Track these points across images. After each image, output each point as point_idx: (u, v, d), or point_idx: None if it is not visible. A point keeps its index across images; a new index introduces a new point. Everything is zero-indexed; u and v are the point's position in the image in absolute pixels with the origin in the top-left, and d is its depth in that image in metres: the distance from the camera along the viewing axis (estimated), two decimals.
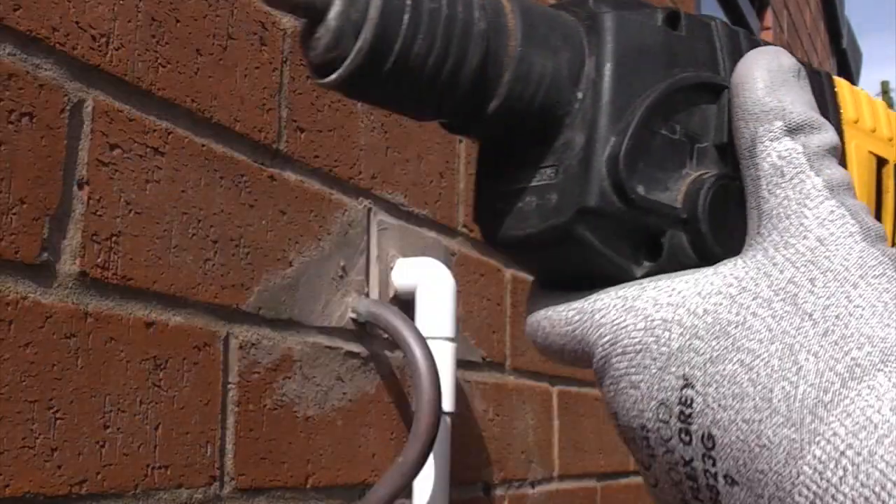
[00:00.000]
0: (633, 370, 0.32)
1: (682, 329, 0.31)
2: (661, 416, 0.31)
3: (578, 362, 0.34)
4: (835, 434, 0.27)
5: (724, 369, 0.30)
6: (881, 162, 0.42)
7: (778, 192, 0.33)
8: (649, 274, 0.34)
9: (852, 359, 0.29)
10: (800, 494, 0.28)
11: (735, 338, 0.30)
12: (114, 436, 0.72)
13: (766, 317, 0.30)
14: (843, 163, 0.38)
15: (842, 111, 0.41)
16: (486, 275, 1.31)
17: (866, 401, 0.28)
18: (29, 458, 0.66)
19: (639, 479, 1.86)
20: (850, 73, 6.65)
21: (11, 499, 0.64)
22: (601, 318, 0.33)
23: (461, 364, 1.21)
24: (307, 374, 0.94)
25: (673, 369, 0.31)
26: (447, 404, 1.02)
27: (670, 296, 0.32)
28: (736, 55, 0.36)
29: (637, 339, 0.32)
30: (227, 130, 0.86)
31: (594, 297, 0.34)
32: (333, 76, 0.31)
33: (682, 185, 0.35)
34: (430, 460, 1.00)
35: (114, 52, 0.75)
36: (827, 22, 5.75)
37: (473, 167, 1.28)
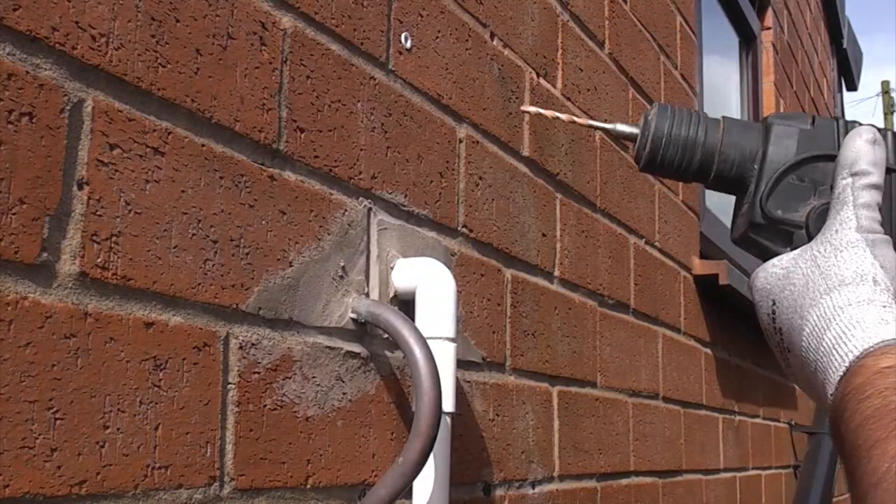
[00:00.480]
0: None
1: (778, 276, 0.68)
2: (767, 315, 0.69)
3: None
4: (822, 306, 0.63)
5: (784, 293, 0.67)
6: None
7: (834, 207, 0.68)
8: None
9: (828, 284, 0.64)
10: (807, 324, 0.63)
11: (791, 279, 0.67)
12: (114, 436, 0.72)
13: (804, 269, 0.67)
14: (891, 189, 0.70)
15: None
16: (486, 275, 1.31)
17: (833, 299, 0.63)
18: (29, 459, 0.66)
19: (639, 480, 1.86)
20: (850, 73, 6.64)
21: (11, 499, 0.64)
22: (765, 268, 0.70)
23: (461, 364, 1.20)
24: (307, 374, 0.94)
25: (771, 295, 0.69)
26: (447, 404, 1.02)
27: (783, 261, 0.69)
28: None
29: (764, 281, 0.70)
30: (227, 130, 0.86)
31: (766, 263, 0.71)
32: (639, 165, 0.77)
33: (807, 209, 0.70)
34: (430, 460, 0.99)
35: (114, 52, 0.75)
36: (827, 22, 5.75)
37: (474, 168, 1.28)
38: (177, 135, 0.81)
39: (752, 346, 2.83)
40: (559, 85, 1.60)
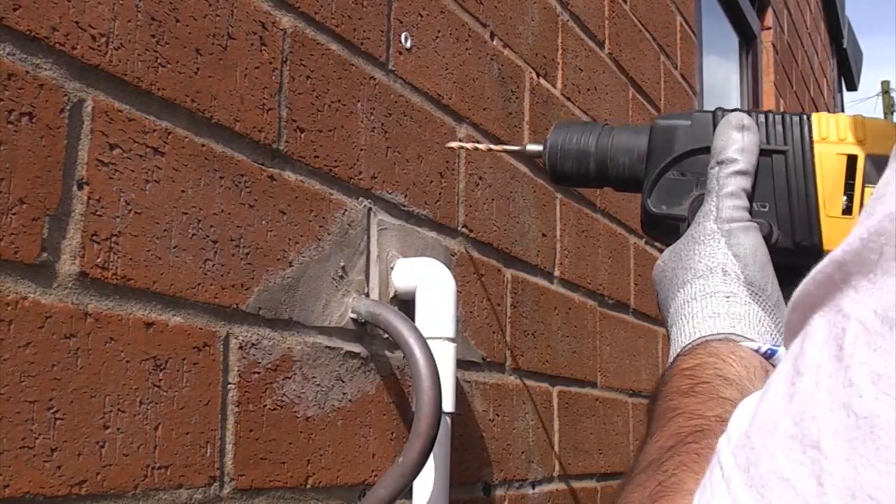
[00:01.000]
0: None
1: (659, 269, 0.70)
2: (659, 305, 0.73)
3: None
4: (678, 299, 0.66)
5: (661, 285, 0.70)
6: (852, 158, 0.68)
7: (705, 198, 0.70)
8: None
9: (685, 277, 0.67)
10: (668, 315, 0.67)
11: (664, 272, 0.69)
12: (113, 436, 0.72)
13: (671, 263, 0.69)
14: (805, 166, 0.70)
15: (813, 133, 0.70)
16: (486, 275, 1.31)
17: (685, 292, 0.66)
18: (29, 459, 0.66)
19: None
20: (850, 73, 6.64)
21: (11, 499, 0.64)
22: (657, 262, 0.73)
23: (461, 364, 1.20)
24: (307, 374, 0.94)
25: (655, 286, 0.72)
26: (447, 404, 1.02)
27: (663, 255, 0.71)
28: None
29: (653, 274, 0.72)
30: (227, 130, 0.86)
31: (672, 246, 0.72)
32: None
33: (689, 201, 0.72)
34: (430, 460, 0.99)
35: (113, 52, 0.75)
36: (827, 22, 5.75)
37: (474, 167, 1.28)
38: (177, 135, 0.81)
39: None
40: (559, 85, 1.60)
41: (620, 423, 1.77)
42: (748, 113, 0.71)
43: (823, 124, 0.70)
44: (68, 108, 0.71)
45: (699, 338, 0.61)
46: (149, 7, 0.79)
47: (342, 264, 1.00)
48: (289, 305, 0.92)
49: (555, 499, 1.48)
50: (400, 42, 1.15)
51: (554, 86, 1.58)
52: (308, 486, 0.93)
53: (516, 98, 1.44)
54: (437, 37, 1.23)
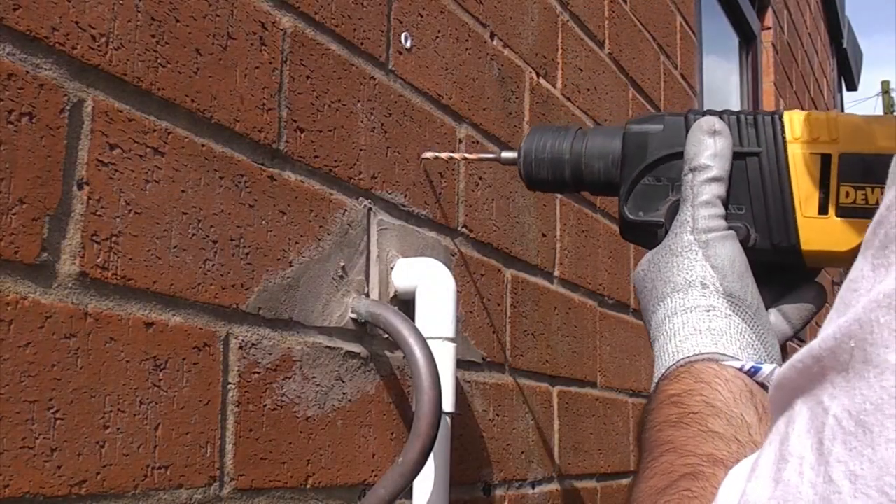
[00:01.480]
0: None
1: (639, 277, 0.70)
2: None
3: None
4: (658, 313, 0.67)
5: (641, 294, 0.69)
6: (826, 157, 0.68)
7: (680, 205, 0.69)
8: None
9: (664, 291, 0.67)
10: (651, 329, 0.67)
11: (644, 282, 0.69)
12: (113, 436, 0.72)
13: (650, 273, 0.68)
14: (779, 167, 0.69)
15: (786, 134, 0.69)
16: (486, 275, 1.31)
17: (665, 306, 0.67)
18: (29, 459, 0.66)
19: None
20: (850, 73, 6.64)
21: (11, 499, 0.64)
22: (636, 268, 0.72)
23: (461, 364, 1.20)
24: (307, 374, 0.94)
25: (636, 293, 0.71)
26: (447, 404, 1.02)
27: (642, 263, 0.70)
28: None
29: (633, 280, 0.72)
30: (227, 130, 0.86)
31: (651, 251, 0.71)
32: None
33: (665, 206, 0.72)
34: (430, 460, 0.99)
35: (113, 52, 0.75)
36: (827, 22, 5.75)
37: (474, 168, 1.28)
38: (177, 135, 0.81)
39: None
40: (559, 85, 1.60)
41: (620, 423, 1.77)
42: (720, 115, 0.71)
43: (796, 124, 0.69)
44: (68, 108, 0.71)
45: (682, 358, 0.61)
46: (149, 7, 0.79)
47: (342, 264, 1.00)
48: (289, 305, 0.92)
49: (555, 499, 1.48)
50: (400, 42, 1.15)
51: (554, 86, 1.58)
52: (308, 486, 0.93)
53: (516, 98, 1.44)
54: (437, 37, 1.23)
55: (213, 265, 0.83)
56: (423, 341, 0.96)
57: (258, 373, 0.88)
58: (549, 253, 1.52)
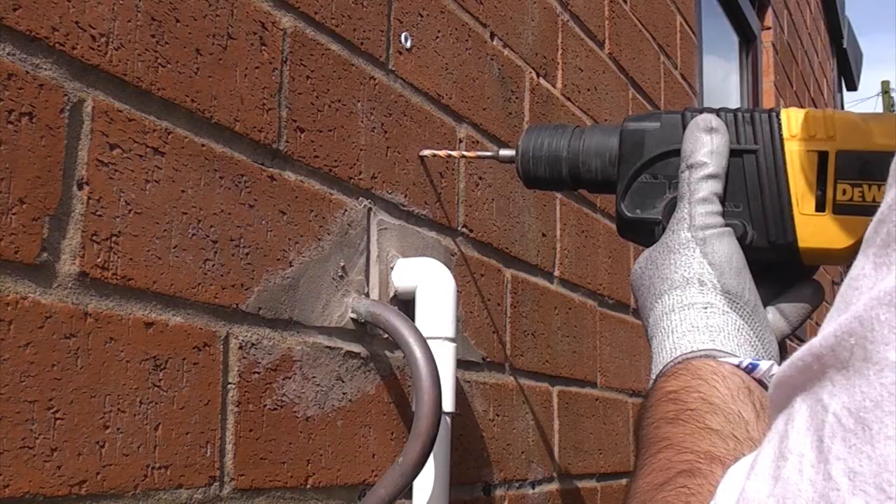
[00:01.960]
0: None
1: (637, 274, 0.70)
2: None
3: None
4: (656, 310, 0.67)
5: (639, 291, 0.69)
6: (823, 154, 0.68)
7: (678, 203, 0.69)
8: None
9: (661, 288, 0.67)
10: (649, 326, 0.68)
11: (642, 279, 0.69)
12: (113, 436, 0.72)
13: (648, 270, 0.68)
14: (776, 164, 0.69)
15: (783, 131, 0.69)
16: (486, 275, 1.31)
17: (663, 304, 0.66)
18: (29, 458, 0.66)
19: None
20: (850, 72, 6.64)
21: (11, 499, 0.64)
22: (634, 266, 0.72)
23: (461, 364, 1.20)
24: (307, 374, 0.94)
25: (633, 291, 0.71)
26: (447, 404, 1.02)
27: (640, 260, 0.70)
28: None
29: (631, 278, 0.71)
30: (227, 130, 0.86)
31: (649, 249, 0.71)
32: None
33: (662, 204, 0.72)
34: (430, 460, 0.99)
35: (113, 52, 0.75)
36: (827, 22, 5.75)
37: (474, 167, 1.28)
38: (177, 135, 0.81)
39: None
40: (559, 85, 1.60)
41: (620, 423, 1.77)
42: (717, 113, 0.71)
43: (793, 121, 0.69)
44: (68, 108, 0.71)
45: (680, 355, 0.61)
46: (149, 7, 0.79)
47: (342, 264, 1.00)
48: (289, 305, 0.92)
49: (555, 499, 1.48)
50: (400, 42, 1.15)
51: (554, 86, 1.58)
52: (308, 486, 0.93)
53: (516, 98, 1.44)
54: (437, 37, 1.23)
55: (213, 265, 0.83)
56: (423, 341, 0.96)
57: (258, 373, 0.88)
58: (549, 253, 1.52)
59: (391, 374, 1.07)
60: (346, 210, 1.02)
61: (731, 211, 0.70)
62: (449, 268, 1.12)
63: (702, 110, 0.71)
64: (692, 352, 0.61)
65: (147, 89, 0.78)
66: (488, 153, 1.05)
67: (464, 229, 1.26)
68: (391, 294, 1.07)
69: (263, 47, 0.91)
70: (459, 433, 1.20)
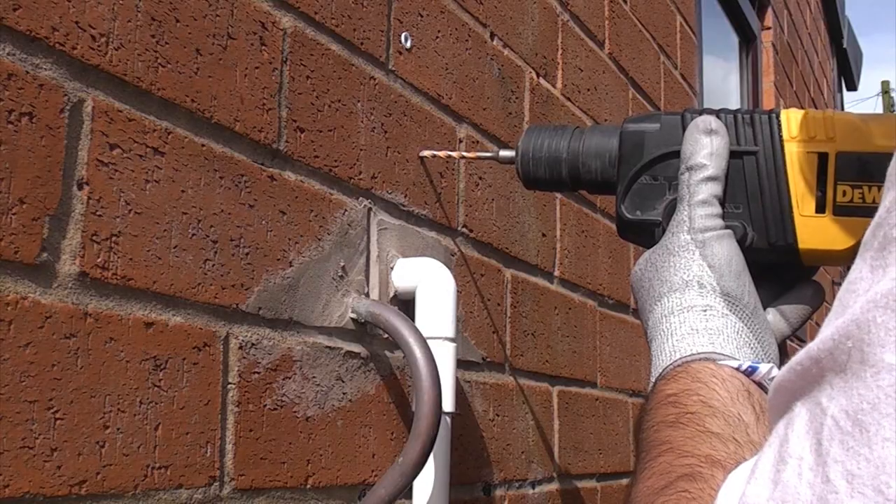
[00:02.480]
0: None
1: (637, 276, 0.70)
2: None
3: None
4: (655, 312, 0.67)
5: (639, 293, 0.69)
6: (823, 156, 0.68)
7: (677, 205, 0.69)
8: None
9: (661, 290, 0.67)
10: (648, 328, 0.68)
11: (641, 281, 0.69)
12: (113, 436, 0.72)
13: (648, 273, 0.68)
14: (776, 166, 0.69)
15: (782, 133, 0.69)
16: (486, 275, 1.31)
17: (662, 306, 0.67)
18: (29, 459, 0.66)
19: None
20: (850, 73, 6.64)
21: (11, 499, 0.64)
22: (634, 267, 0.72)
23: (461, 364, 1.20)
24: (307, 374, 0.94)
25: (633, 292, 0.71)
26: (447, 404, 1.02)
27: (640, 262, 0.70)
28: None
29: (631, 279, 0.71)
30: (227, 130, 0.86)
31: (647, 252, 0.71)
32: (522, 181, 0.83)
33: (662, 205, 0.72)
34: (430, 460, 0.99)
35: (113, 52, 0.75)
36: (827, 22, 5.75)
37: (474, 167, 1.28)
38: (177, 135, 0.81)
39: None
40: (559, 85, 1.60)
41: (620, 423, 1.77)
42: (717, 114, 0.71)
43: (793, 122, 0.69)
44: (68, 108, 0.71)
45: (679, 358, 0.61)
46: (149, 7, 0.79)
47: (342, 264, 1.00)
48: (289, 305, 0.92)
49: (555, 499, 1.48)
50: (400, 42, 1.15)
51: (554, 86, 1.58)
52: (308, 486, 0.93)
53: (516, 98, 1.44)
54: (437, 37, 1.23)
55: (213, 265, 0.83)
56: (423, 341, 0.96)
57: (258, 373, 0.88)
58: (549, 253, 1.52)
59: (391, 374, 1.07)
60: (346, 210, 1.02)
61: (731, 212, 0.70)
62: (449, 268, 1.12)
63: (702, 111, 0.71)
64: (692, 355, 0.61)
65: (147, 89, 0.78)
66: (488, 154, 1.05)
67: (464, 229, 1.26)
68: (391, 294, 1.07)
69: (263, 47, 0.91)
70: (459, 433, 1.20)
